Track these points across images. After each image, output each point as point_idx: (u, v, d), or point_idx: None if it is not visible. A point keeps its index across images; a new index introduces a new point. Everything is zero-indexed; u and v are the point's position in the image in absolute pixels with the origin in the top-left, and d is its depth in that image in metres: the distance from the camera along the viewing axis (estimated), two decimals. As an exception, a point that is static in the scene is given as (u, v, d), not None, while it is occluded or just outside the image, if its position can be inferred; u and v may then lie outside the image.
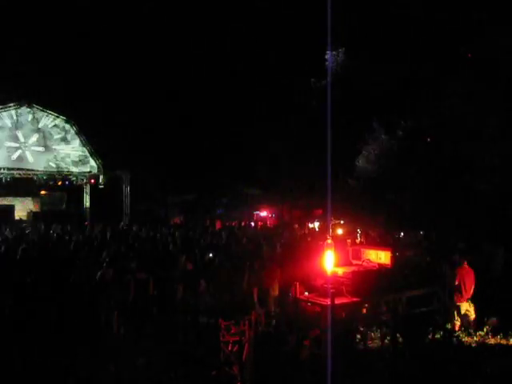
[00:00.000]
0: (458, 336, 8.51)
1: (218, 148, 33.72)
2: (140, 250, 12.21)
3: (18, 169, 28.28)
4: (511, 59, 17.86)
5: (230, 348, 6.59)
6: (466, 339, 8.43)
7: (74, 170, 30.34)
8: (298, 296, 7.19)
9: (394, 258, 7.31)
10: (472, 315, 9.09)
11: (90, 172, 30.82)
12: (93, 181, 30.89)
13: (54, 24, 32.10)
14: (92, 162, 30.84)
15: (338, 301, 6.56)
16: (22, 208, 30.09)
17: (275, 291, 9.69)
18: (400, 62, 22.60)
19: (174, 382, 6.67)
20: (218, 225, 24.96)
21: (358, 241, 16.07)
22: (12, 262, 10.13)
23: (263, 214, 34.03)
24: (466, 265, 9.38)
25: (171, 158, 32.70)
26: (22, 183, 29.18)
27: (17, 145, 28.35)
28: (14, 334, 7.25)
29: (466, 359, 7.50)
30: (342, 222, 22.32)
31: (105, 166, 30.97)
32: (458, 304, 9.17)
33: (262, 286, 9.48)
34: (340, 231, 17.71)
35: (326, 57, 27.05)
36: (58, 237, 16.11)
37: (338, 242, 9.44)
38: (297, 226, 22.76)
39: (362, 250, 7.88)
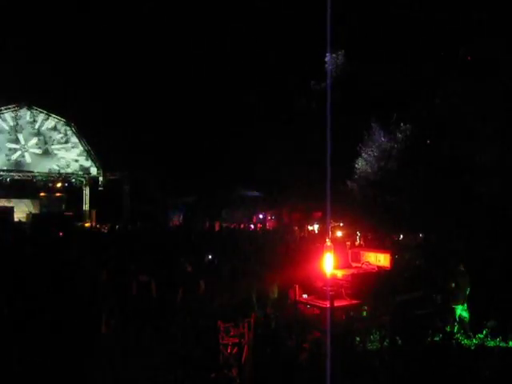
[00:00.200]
0: (457, 338, 8.51)
1: (217, 150, 33.73)
2: (140, 252, 12.20)
3: (18, 171, 28.28)
4: (511, 59, 17.88)
5: (229, 350, 6.59)
6: (465, 342, 8.44)
7: (74, 171, 30.33)
8: (297, 298, 7.20)
9: (393, 260, 7.31)
10: (467, 318, 9.11)
11: (90, 174, 30.81)
12: (92, 182, 30.90)
13: (53, 25, 32.13)
14: (92, 164, 30.83)
15: (337, 303, 6.56)
16: (22, 210, 30.06)
17: (274, 293, 9.70)
18: (400, 62, 22.62)
19: (173, 383, 6.67)
20: (218, 227, 24.97)
21: (357, 243, 16.09)
22: (11, 262, 10.12)
23: (262, 216, 34.02)
24: (461, 267, 9.40)
25: (171, 159, 32.70)
26: (21, 185, 29.17)
27: (17, 146, 28.36)
28: (12, 334, 7.24)
29: (465, 362, 7.50)
30: (341, 224, 22.32)
31: (104, 168, 30.96)
32: (453, 306, 9.19)
33: (262, 289, 9.48)
34: (339, 233, 17.73)
35: (326, 59, 27.08)
36: (58, 238, 16.10)
37: (338, 245, 9.44)
38: (296, 228, 22.76)
39: (361, 252, 7.88)
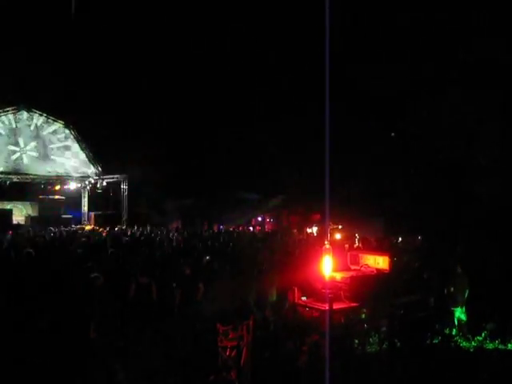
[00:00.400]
0: (456, 341, 8.51)
1: (216, 153, 33.76)
2: (139, 255, 12.19)
3: (17, 173, 28.27)
4: (511, 59, 17.92)
5: (227, 353, 6.58)
6: (463, 344, 8.44)
7: (73, 174, 30.33)
8: (296, 301, 7.19)
9: (391, 263, 7.32)
10: (464, 320, 9.13)
11: (89, 176, 30.81)
12: (91, 185, 30.90)
13: (53, 25, 32.11)
14: (90, 167, 30.83)
15: (336, 306, 6.56)
16: (20, 212, 30.06)
17: (273, 296, 9.68)
18: (400, 63, 22.67)
19: (171, 386, 6.66)
20: (216, 229, 24.98)
21: (355, 245, 16.09)
22: (10, 264, 10.12)
23: (261, 218, 34.04)
24: (459, 269, 9.41)
25: (170, 162, 32.69)
26: (20, 188, 29.16)
27: (16, 149, 28.37)
28: (9, 335, 7.23)
29: (464, 364, 7.51)
30: (340, 226, 22.33)
31: (103, 171, 30.97)
32: (452, 309, 9.20)
33: (260, 291, 9.46)
34: (338, 236, 17.73)
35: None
36: (56, 241, 16.08)
37: (337, 247, 9.45)
38: (295, 230, 22.78)
39: (360, 255, 7.88)
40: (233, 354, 6.58)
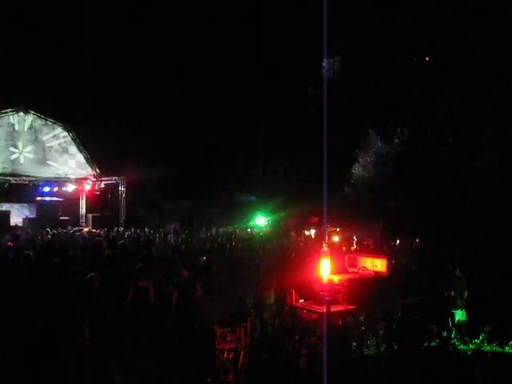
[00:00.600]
0: (454, 344, 8.51)
1: (215, 154, 33.79)
2: (136, 256, 12.16)
3: (15, 175, 28.22)
4: (509, 64, 17.99)
5: (225, 355, 6.57)
6: (461, 347, 8.44)
7: (70, 176, 30.28)
8: (293, 303, 7.20)
9: (389, 265, 7.33)
10: (464, 322, 9.13)
11: (87, 179, 30.77)
12: (89, 187, 30.86)
13: (53, 25, 32.17)
14: (88, 169, 30.79)
15: (333, 308, 6.57)
16: (18, 214, 29.97)
17: (271, 298, 9.68)
18: (398, 66, 22.74)
19: (169, 389, 6.65)
20: (214, 231, 24.90)
21: (353, 248, 16.09)
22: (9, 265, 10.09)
23: (259, 220, 33.98)
24: (458, 272, 9.42)
25: (168, 164, 32.68)
26: (17, 189, 29.10)
27: (14, 150, 28.33)
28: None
29: (461, 367, 7.50)
30: (338, 229, 22.31)
31: (101, 173, 30.92)
32: (452, 312, 9.20)
33: (258, 293, 9.46)
34: (336, 238, 17.74)
35: (323, 64, 27.18)
36: (54, 242, 16.04)
37: (334, 250, 9.46)
38: (293, 233, 22.76)
39: (357, 257, 7.90)
40: (231, 356, 6.58)
